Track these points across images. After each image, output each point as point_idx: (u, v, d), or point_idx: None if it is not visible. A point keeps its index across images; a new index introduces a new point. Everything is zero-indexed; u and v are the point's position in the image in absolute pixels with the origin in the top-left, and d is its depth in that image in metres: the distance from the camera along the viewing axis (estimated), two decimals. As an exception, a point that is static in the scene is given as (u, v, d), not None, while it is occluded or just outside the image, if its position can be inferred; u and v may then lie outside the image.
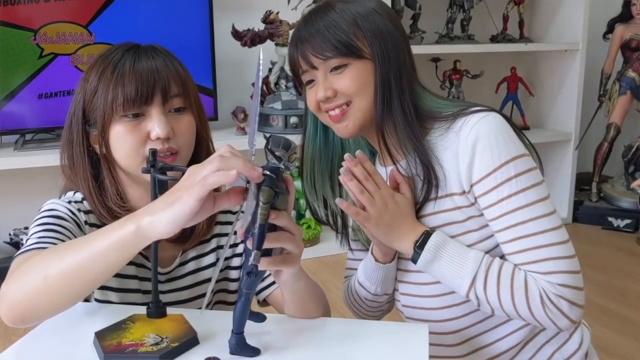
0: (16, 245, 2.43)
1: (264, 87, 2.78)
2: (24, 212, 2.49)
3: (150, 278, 1.03)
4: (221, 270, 1.13)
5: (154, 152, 0.90)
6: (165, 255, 1.07)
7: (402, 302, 1.13)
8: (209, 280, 1.11)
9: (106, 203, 1.01)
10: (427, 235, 1.00)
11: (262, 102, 2.74)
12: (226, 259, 1.13)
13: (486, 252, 1.01)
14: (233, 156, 0.75)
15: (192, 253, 1.10)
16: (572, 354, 1.09)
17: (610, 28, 3.30)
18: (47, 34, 2.31)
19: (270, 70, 2.76)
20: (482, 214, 1.01)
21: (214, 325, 0.91)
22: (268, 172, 0.76)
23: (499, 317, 1.05)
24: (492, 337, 1.08)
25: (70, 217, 0.99)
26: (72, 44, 2.35)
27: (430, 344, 1.04)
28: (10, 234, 2.46)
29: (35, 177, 2.45)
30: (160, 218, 0.75)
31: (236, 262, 1.13)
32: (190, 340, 0.87)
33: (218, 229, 1.12)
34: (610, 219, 3.20)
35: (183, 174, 0.85)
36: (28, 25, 2.28)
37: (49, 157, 2.31)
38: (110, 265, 0.80)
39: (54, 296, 0.80)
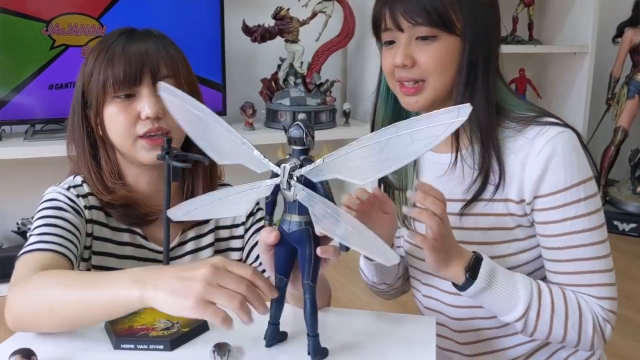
0: (23, 234, 2.45)
1: (273, 84, 2.78)
2: (32, 202, 2.49)
3: (150, 259, 1.08)
4: (220, 252, 1.16)
5: (169, 140, 0.91)
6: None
7: (424, 304, 1.14)
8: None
9: (104, 181, 1.05)
10: (476, 260, 0.93)
11: (270, 98, 2.75)
12: (224, 239, 1.16)
13: (525, 264, 1.01)
14: (225, 278, 0.76)
15: (191, 233, 1.12)
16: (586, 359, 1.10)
17: (620, 32, 3.30)
18: (59, 26, 2.32)
19: (279, 66, 2.77)
20: (531, 226, 1.00)
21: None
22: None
23: None
24: (512, 342, 1.08)
25: (70, 205, 1.01)
26: (84, 36, 2.36)
27: (441, 336, 1.05)
28: (18, 223, 2.47)
29: (44, 167, 2.47)
30: (162, 301, 0.76)
31: (236, 244, 1.16)
32: (200, 327, 0.88)
33: None
34: (615, 222, 3.19)
35: (194, 162, 0.87)
36: (40, 16, 2.29)
37: (58, 148, 2.30)
38: (110, 315, 0.83)
39: (57, 325, 0.85)
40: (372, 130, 1.10)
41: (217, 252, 1.15)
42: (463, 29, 0.96)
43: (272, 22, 2.66)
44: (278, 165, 0.77)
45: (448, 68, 0.98)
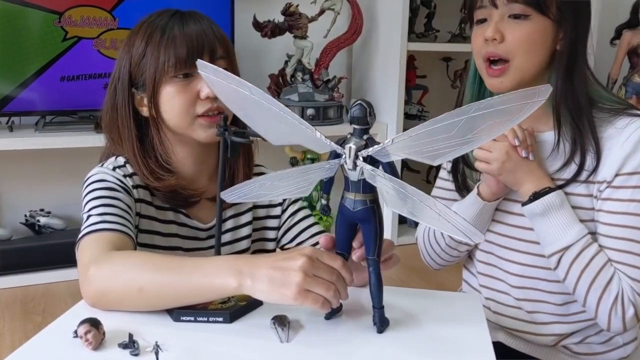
0: (32, 226, 2.44)
1: (280, 79, 2.80)
2: (41, 194, 2.51)
3: (192, 237, 1.11)
4: (257, 230, 1.18)
5: (225, 117, 0.93)
6: (205, 213, 1.12)
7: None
8: (246, 237, 1.16)
9: (149, 164, 1.05)
10: (548, 190, 1.04)
11: (278, 94, 2.77)
12: (260, 218, 1.18)
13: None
14: (319, 269, 0.79)
15: (230, 212, 1.14)
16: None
17: (618, 34, 3.36)
18: (72, 17, 2.32)
19: (286, 62, 2.79)
20: (591, 208, 1.05)
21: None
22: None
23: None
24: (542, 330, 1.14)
25: (120, 186, 1.02)
26: (96, 28, 2.37)
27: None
28: (26, 215, 2.46)
29: (54, 159, 2.47)
30: (261, 290, 0.79)
31: (272, 223, 1.19)
32: (257, 301, 0.89)
33: None
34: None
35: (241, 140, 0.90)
36: (54, 7, 2.29)
37: (69, 139, 2.32)
38: (200, 300, 0.85)
39: (143, 306, 0.86)
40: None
41: (254, 230, 1.17)
42: (557, 13, 1.02)
43: (281, 18, 2.68)
44: (340, 145, 0.78)
45: (535, 49, 1.03)
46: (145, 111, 1.06)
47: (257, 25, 2.63)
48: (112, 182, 1.02)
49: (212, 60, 1.03)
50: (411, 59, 2.97)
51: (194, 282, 0.82)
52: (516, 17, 1.02)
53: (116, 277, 0.85)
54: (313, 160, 2.77)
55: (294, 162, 2.74)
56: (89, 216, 0.96)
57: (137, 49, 1.04)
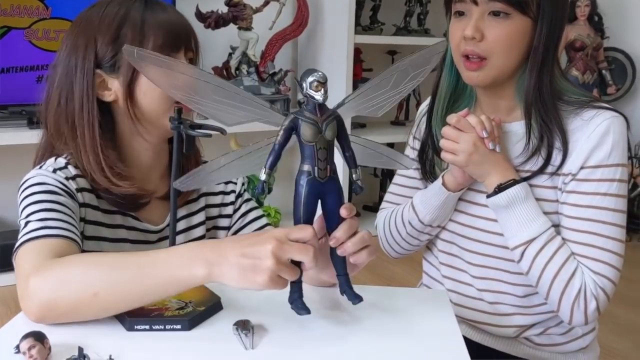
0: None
1: (224, 72, 2.73)
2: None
3: (142, 241, 1.04)
4: (208, 230, 1.13)
5: (179, 110, 0.86)
6: (155, 214, 1.05)
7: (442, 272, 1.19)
8: (199, 238, 1.10)
9: (107, 162, 0.96)
10: (513, 182, 1.04)
11: (222, 87, 2.69)
12: (213, 218, 1.13)
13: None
14: (291, 251, 0.75)
15: (182, 212, 1.08)
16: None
17: (556, 28, 3.45)
18: (1, 6, 2.18)
19: (230, 55, 2.72)
20: (556, 200, 1.06)
21: (234, 292, 0.87)
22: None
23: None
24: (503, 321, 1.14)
25: (62, 189, 0.93)
26: (27, 18, 2.23)
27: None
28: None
29: (-17, 158, 2.31)
30: (232, 277, 0.75)
31: (224, 222, 1.14)
32: (215, 305, 0.86)
33: (205, 188, 1.11)
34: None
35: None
36: (-20, -5, 2.15)
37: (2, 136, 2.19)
38: (165, 295, 0.79)
39: (101, 311, 0.79)
40: (434, 100, 1.15)
41: (206, 230, 1.12)
42: (537, 11, 1.00)
43: (224, 9, 2.60)
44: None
45: (513, 48, 1.02)
46: (107, 95, 0.97)
47: (200, 16, 2.55)
48: (53, 185, 0.93)
49: (187, 51, 1.00)
50: (357, 52, 2.95)
51: (157, 277, 0.76)
52: (496, 14, 1.00)
53: (65, 285, 0.77)
54: (260, 155, 2.71)
55: (240, 157, 2.67)
56: (27, 222, 0.87)
57: (108, 27, 0.96)
